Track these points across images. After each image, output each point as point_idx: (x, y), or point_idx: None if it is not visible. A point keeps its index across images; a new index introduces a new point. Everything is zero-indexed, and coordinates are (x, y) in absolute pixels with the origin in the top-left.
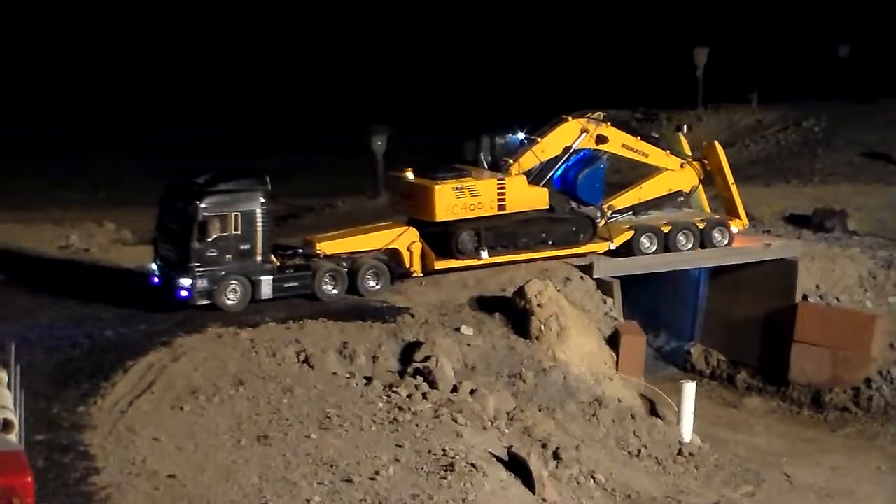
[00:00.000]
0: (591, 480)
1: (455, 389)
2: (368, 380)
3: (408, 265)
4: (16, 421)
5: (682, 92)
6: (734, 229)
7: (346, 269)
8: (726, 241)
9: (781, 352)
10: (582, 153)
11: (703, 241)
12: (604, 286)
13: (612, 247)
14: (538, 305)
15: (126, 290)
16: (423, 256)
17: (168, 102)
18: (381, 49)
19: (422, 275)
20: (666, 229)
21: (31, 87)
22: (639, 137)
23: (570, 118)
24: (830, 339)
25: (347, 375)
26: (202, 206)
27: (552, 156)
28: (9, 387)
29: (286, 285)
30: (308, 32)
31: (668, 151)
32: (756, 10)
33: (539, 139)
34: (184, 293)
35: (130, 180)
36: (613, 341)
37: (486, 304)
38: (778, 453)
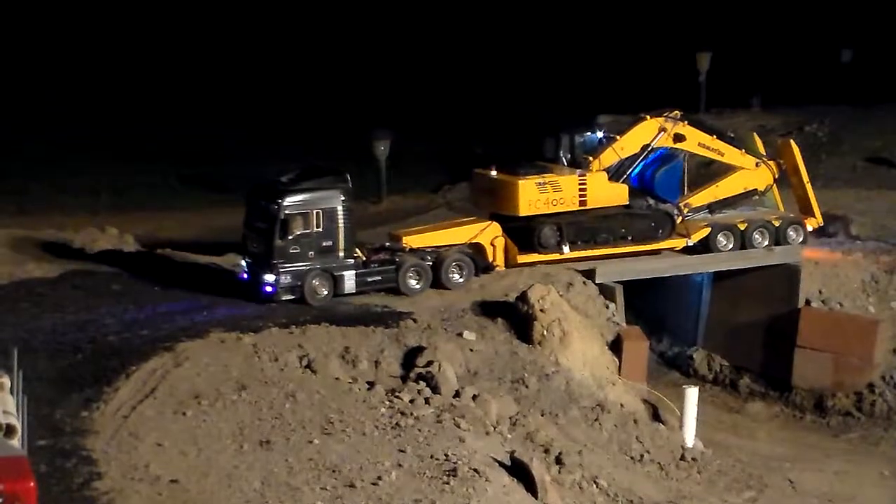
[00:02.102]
0: (594, 485)
1: (457, 394)
2: (371, 385)
3: (491, 259)
4: (18, 426)
5: (684, 97)
6: (809, 227)
7: (430, 264)
8: (801, 240)
9: (784, 357)
10: (659, 151)
11: (779, 238)
12: (606, 291)
13: (690, 243)
14: (541, 310)
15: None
16: (506, 251)
17: (170, 107)
18: (383, 54)
19: (504, 269)
20: (742, 227)
21: (32, 90)
22: (715, 136)
23: (648, 117)
24: (833, 345)
25: (350, 380)
26: (284, 204)
27: (631, 153)
28: (11, 392)
29: (369, 279)
30: (310, 38)
31: (744, 150)
32: (758, 15)
33: (618, 137)
34: (268, 289)
35: (133, 185)
36: (616, 346)
37: (488, 309)
38: (781, 458)
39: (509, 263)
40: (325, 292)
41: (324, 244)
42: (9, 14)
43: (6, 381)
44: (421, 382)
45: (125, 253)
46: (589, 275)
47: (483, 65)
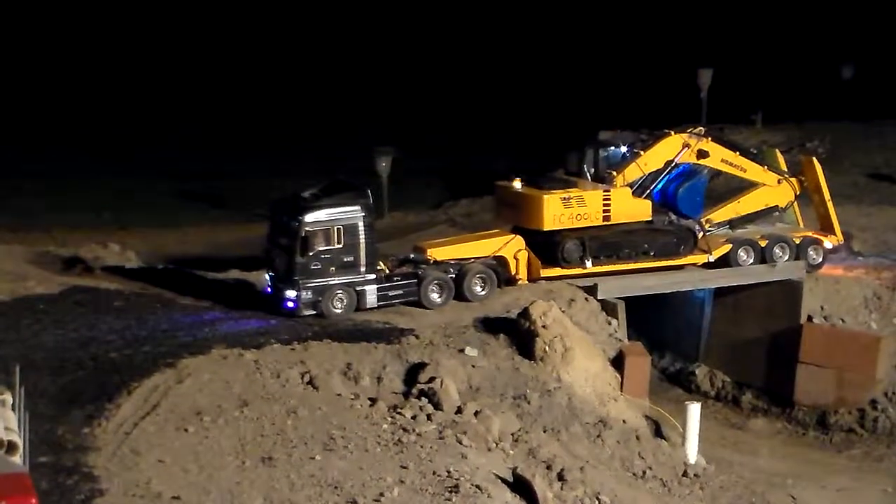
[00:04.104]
0: (596, 502)
1: (460, 411)
2: (373, 401)
3: (513, 272)
4: (20, 443)
5: (686, 113)
6: (828, 244)
7: (452, 277)
8: (821, 259)
9: (786, 373)
10: (682, 167)
11: (799, 255)
12: (608, 307)
13: (711, 259)
14: (543, 326)
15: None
16: (529, 264)
17: (172, 124)
18: (386, 72)
19: (527, 282)
20: (763, 243)
21: (33, 107)
22: (738, 153)
23: (672, 132)
24: (835, 361)
25: (352, 397)
26: (305, 220)
27: (654, 169)
28: (13, 408)
29: (391, 294)
30: (313, 57)
31: (766, 167)
32: (760, 32)
33: (642, 152)
34: (290, 304)
35: (134, 202)
36: (618, 362)
37: (490, 325)
38: (783, 475)
39: (532, 277)
40: (346, 307)
41: (345, 260)
42: (13, 33)
43: (8, 397)
44: (423, 398)
45: (127, 269)
46: (591, 291)
47: (485, 82)
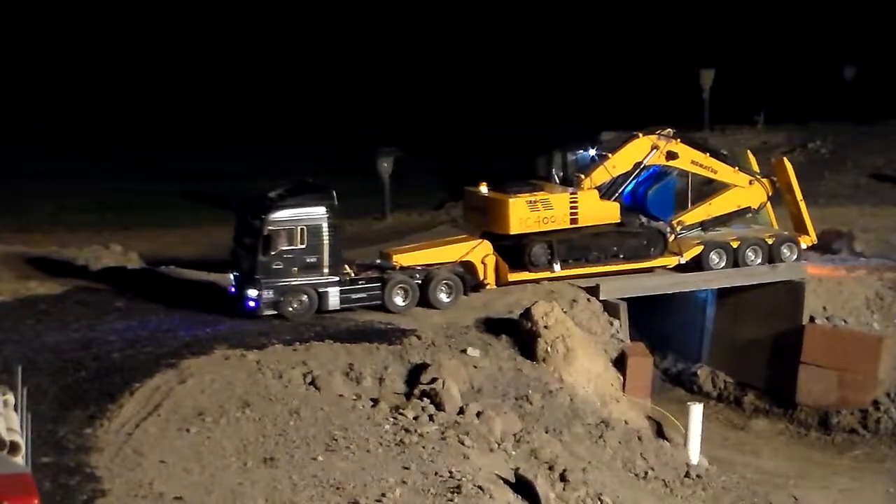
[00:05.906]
0: (598, 502)
1: (462, 411)
2: (375, 402)
3: (481, 277)
4: (22, 443)
5: (688, 113)
6: (802, 245)
7: (417, 282)
8: (795, 257)
9: (789, 374)
10: (652, 169)
11: (772, 256)
12: (610, 308)
13: (683, 261)
14: (545, 327)
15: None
16: (497, 269)
17: (176, 125)
18: (389, 71)
19: (495, 287)
20: (735, 245)
21: (34, 107)
22: (708, 154)
23: (640, 134)
24: (837, 361)
25: (354, 397)
26: (268, 219)
27: (623, 171)
28: (15, 409)
29: (354, 297)
30: (314, 56)
31: (737, 168)
32: (762, 33)
33: (610, 155)
34: (251, 304)
35: (137, 203)
36: (620, 363)
37: (492, 326)
38: (785, 475)
39: (500, 282)
40: (306, 309)
41: (308, 260)
42: (11, 34)
43: (10, 398)
44: (425, 399)
45: (129, 270)
46: (593, 291)
47: (487, 82)
